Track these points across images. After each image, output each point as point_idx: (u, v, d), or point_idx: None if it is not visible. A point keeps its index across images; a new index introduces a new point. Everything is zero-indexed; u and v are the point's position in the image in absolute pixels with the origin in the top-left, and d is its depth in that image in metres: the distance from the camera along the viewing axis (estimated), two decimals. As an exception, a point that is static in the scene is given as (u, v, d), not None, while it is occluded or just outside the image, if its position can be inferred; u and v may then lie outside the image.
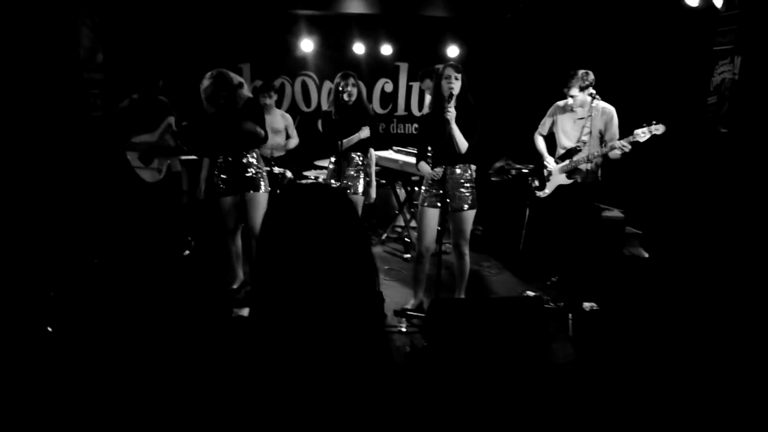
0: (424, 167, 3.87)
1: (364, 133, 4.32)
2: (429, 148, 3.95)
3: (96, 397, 2.74)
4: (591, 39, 5.77)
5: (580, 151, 4.23)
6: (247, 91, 4.05)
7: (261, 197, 4.11)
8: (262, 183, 4.14)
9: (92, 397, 2.74)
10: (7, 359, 3.01)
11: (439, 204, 3.80)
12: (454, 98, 3.59)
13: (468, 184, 3.82)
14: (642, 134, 3.85)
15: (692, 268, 4.56)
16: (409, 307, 4.03)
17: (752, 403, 2.89)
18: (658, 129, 3.83)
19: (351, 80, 4.21)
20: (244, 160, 4.05)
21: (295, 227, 0.97)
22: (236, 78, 3.90)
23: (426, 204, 3.86)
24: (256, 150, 4.17)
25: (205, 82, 3.83)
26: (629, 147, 3.93)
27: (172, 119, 4.55)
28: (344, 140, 4.26)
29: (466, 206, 3.80)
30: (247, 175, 4.06)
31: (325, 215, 0.99)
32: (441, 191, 3.76)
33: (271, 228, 1.00)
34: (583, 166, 4.23)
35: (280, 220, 1.00)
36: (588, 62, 4.34)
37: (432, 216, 3.84)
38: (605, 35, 5.72)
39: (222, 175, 4.06)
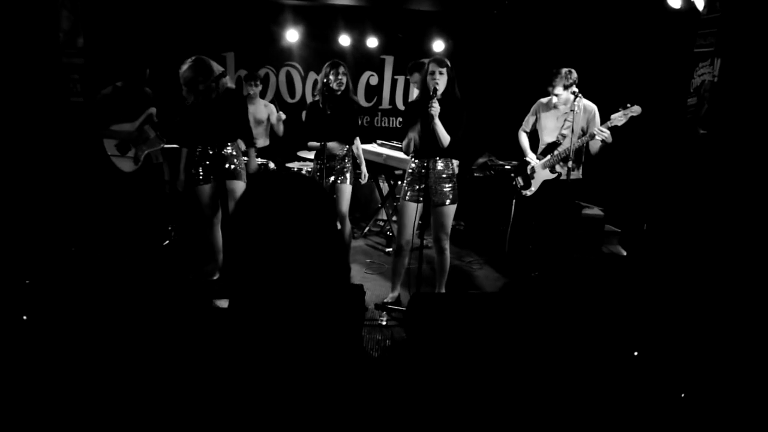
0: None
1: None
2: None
3: (71, 389, 2.71)
4: (575, 38, 5.82)
5: (560, 144, 4.28)
6: (228, 81, 4.01)
7: (239, 186, 4.07)
8: (242, 173, 4.11)
9: (67, 388, 2.71)
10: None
11: (420, 199, 3.82)
12: (438, 93, 3.60)
13: (450, 179, 3.84)
14: (619, 118, 3.90)
15: (669, 267, 4.65)
16: (387, 300, 4.05)
17: (732, 402, 2.96)
18: (635, 110, 3.87)
19: (341, 69, 4.12)
20: (224, 151, 4.03)
21: (266, 215, 0.97)
22: (217, 67, 3.87)
23: (407, 198, 3.87)
24: (236, 141, 4.13)
25: (184, 68, 3.80)
26: (607, 133, 3.95)
27: (153, 110, 4.48)
28: (329, 144, 4.16)
29: (447, 201, 3.82)
30: (226, 165, 4.04)
31: (297, 204, 0.99)
32: (423, 185, 3.77)
33: (242, 216, 1.00)
34: (558, 168, 4.28)
35: (251, 208, 1.00)
36: (571, 61, 4.39)
37: (412, 210, 3.85)
38: (589, 34, 5.78)
39: (200, 165, 4.02)
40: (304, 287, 0.97)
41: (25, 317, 3.33)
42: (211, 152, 4.01)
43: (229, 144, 4.06)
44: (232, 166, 4.06)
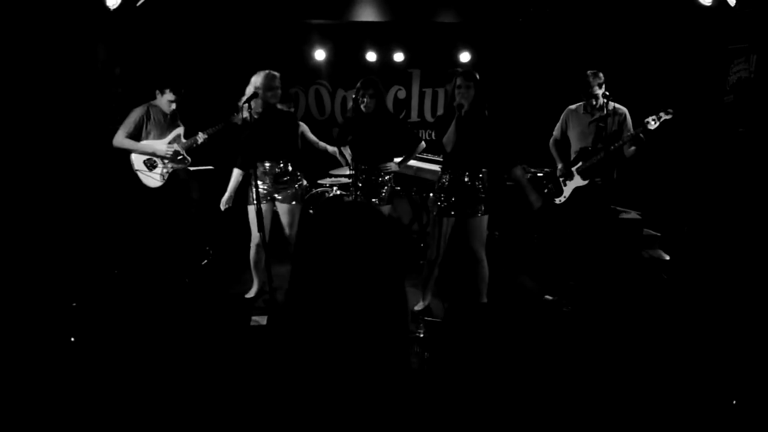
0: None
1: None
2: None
3: (115, 406, 2.78)
4: (604, 40, 5.75)
5: (593, 152, 4.21)
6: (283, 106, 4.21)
7: (293, 208, 4.10)
8: (294, 193, 4.12)
9: (111, 406, 2.78)
10: (32, 369, 3.07)
11: (452, 212, 3.82)
12: (463, 109, 3.63)
13: (481, 190, 3.82)
14: (652, 121, 3.87)
15: (713, 270, 4.51)
16: (417, 308, 4.06)
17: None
18: (669, 113, 3.87)
19: (370, 90, 4.00)
20: (279, 169, 4.07)
21: (333, 247, 0.95)
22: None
23: (438, 213, 3.87)
24: (292, 159, 4.14)
25: (256, 79, 3.92)
26: (641, 137, 3.94)
27: (181, 129, 4.59)
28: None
29: (479, 212, 3.81)
30: (282, 184, 4.08)
31: (365, 238, 0.97)
32: (453, 198, 3.77)
33: (307, 245, 0.99)
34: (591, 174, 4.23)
35: (318, 237, 0.99)
36: (601, 64, 4.33)
37: (444, 223, 3.85)
38: (618, 36, 5.70)
39: (257, 182, 3.87)
40: (364, 320, 0.96)
41: (72, 339, 3.44)
42: (268, 167, 4.05)
43: (282, 163, 4.08)
44: (287, 183, 4.09)
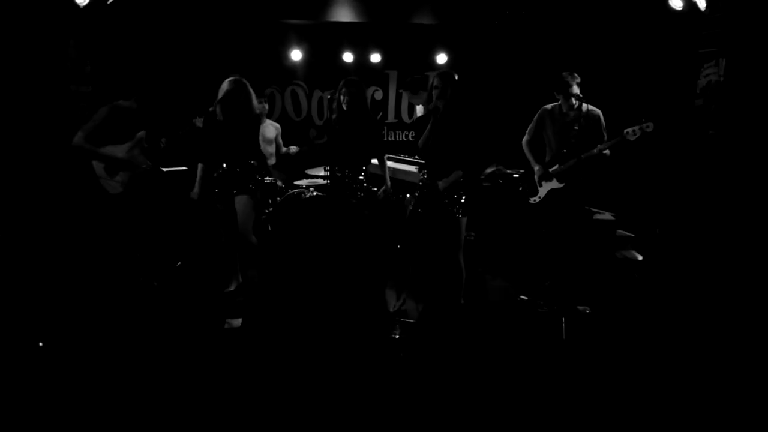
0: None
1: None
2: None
3: (94, 408, 2.71)
4: (577, 43, 5.82)
5: (568, 154, 4.24)
6: (258, 105, 4.24)
7: (244, 200, 4.11)
8: (252, 188, 4.15)
9: (90, 408, 2.71)
10: (6, 369, 2.98)
11: (427, 212, 3.82)
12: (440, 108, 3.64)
13: (458, 192, 3.83)
14: (633, 133, 3.91)
15: (685, 271, 4.58)
16: (393, 307, 4.05)
17: (749, 404, 2.89)
18: (649, 127, 3.91)
19: (352, 89, 4.19)
20: (241, 169, 4.11)
21: (304, 239, 0.95)
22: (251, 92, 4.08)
23: (413, 209, 3.88)
24: (256, 160, 4.21)
25: (226, 86, 3.98)
26: (606, 154, 4.07)
27: (143, 133, 4.42)
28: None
29: (455, 214, 3.81)
30: (245, 181, 4.11)
31: (335, 230, 0.96)
32: (429, 199, 3.77)
33: (279, 237, 0.97)
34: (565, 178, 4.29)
35: (289, 230, 0.98)
36: (575, 66, 4.37)
37: (416, 221, 3.85)
38: (591, 39, 5.78)
39: (222, 181, 4.12)
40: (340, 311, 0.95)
41: (41, 344, 3.35)
42: (233, 168, 4.11)
43: (250, 161, 4.15)
44: (249, 180, 4.12)
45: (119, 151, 4.29)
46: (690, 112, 4.82)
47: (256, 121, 4.21)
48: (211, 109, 4.00)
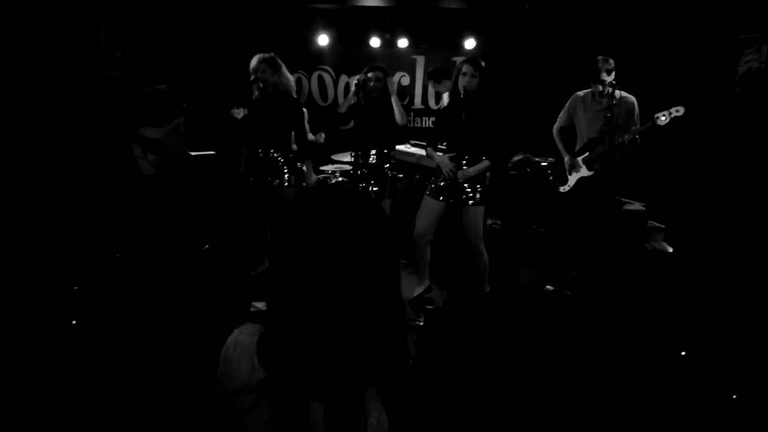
0: (440, 157, 3.81)
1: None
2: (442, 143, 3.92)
3: (114, 392, 2.78)
4: (611, 29, 5.66)
5: (599, 142, 4.15)
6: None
7: (288, 191, 4.17)
8: (290, 176, 4.19)
9: (110, 392, 2.78)
10: (32, 352, 3.07)
11: (441, 197, 3.79)
12: (470, 95, 3.58)
13: (477, 180, 3.78)
14: (663, 117, 3.80)
15: (717, 264, 4.47)
16: (418, 292, 4.04)
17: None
18: (679, 110, 3.78)
19: (379, 73, 4.22)
20: (278, 153, 4.15)
21: (317, 228, 0.94)
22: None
23: (429, 193, 3.85)
24: (294, 144, 4.25)
25: (254, 61, 4.06)
26: (636, 139, 3.94)
27: (182, 119, 4.51)
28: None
29: (472, 201, 3.77)
30: (280, 166, 4.16)
31: (351, 218, 0.95)
32: (450, 184, 3.73)
33: (291, 226, 0.97)
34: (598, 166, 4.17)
35: (301, 218, 0.97)
36: (609, 51, 4.25)
37: (431, 205, 3.83)
38: (626, 23, 5.61)
39: (258, 165, 4.17)
40: (356, 302, 0.94)
41: (74, 321, 3.44)
42: (269, 151, 4.15)
43: (287, 145, 4.19)
44: (284, 167, 4.17)
45: (157, 133, 4.38)
46: (727, 99, 4.66)
47: (295, 106, 4.16)
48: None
